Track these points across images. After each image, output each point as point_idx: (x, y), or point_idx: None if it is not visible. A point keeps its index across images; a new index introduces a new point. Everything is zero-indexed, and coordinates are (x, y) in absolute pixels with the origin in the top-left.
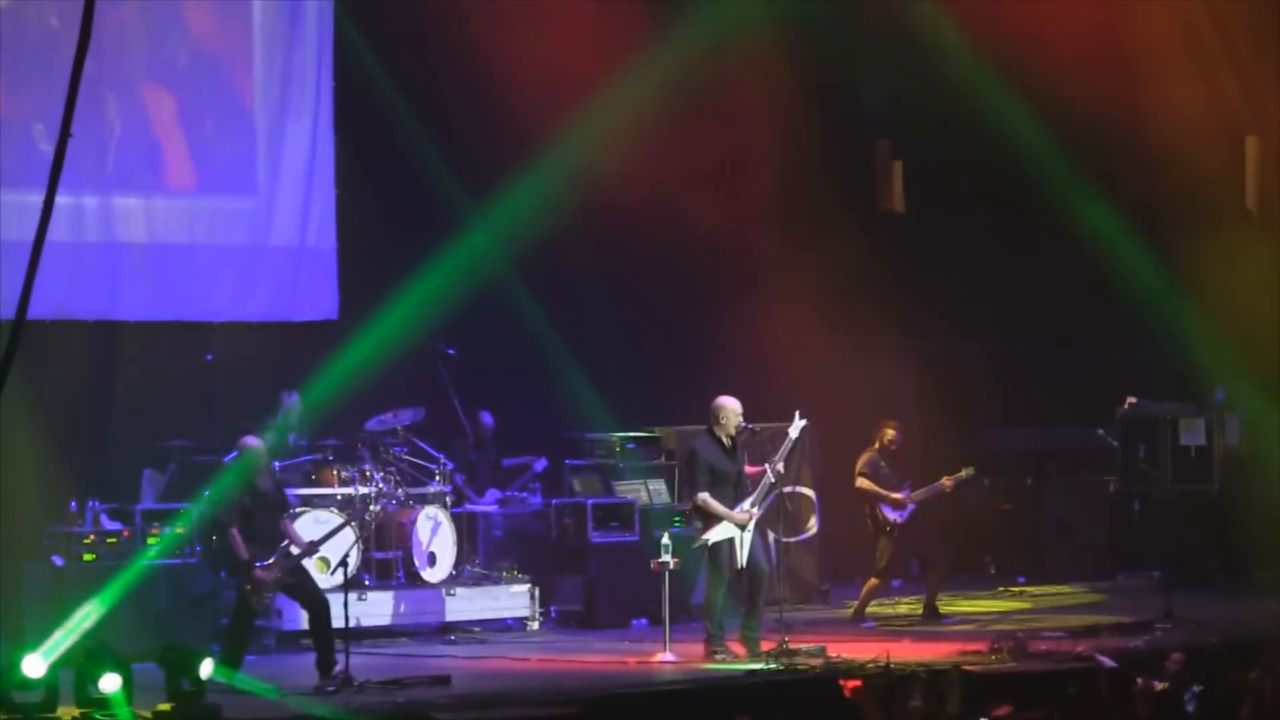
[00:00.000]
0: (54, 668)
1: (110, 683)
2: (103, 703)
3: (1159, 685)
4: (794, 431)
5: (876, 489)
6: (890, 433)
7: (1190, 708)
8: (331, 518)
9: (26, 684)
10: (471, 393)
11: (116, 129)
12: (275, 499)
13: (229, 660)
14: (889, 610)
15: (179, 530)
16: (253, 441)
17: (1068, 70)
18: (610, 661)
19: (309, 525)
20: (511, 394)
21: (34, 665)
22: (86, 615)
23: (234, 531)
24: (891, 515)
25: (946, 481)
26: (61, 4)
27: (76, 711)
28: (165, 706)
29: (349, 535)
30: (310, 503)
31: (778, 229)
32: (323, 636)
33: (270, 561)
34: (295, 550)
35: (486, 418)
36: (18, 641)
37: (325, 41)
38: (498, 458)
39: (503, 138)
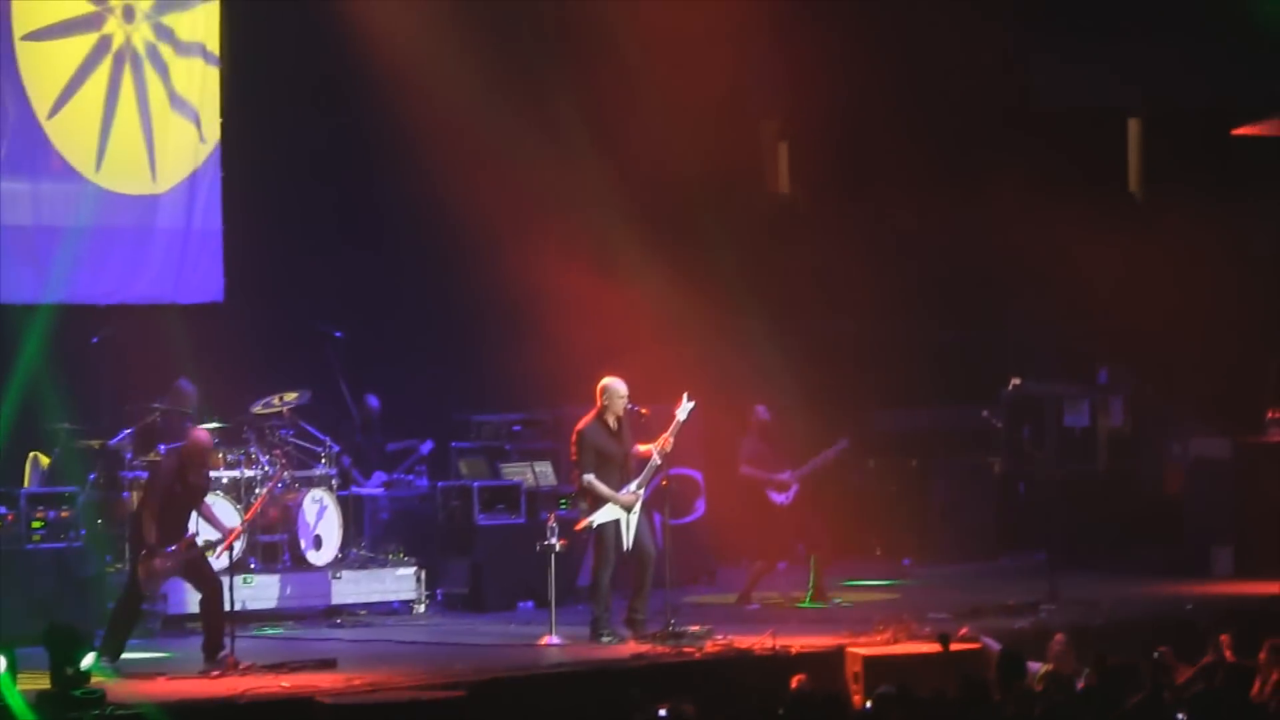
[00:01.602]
0: None
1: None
2: None
3: (1044, 666)
4: (681, 414)
5: (761, 474)
6: (769, 418)
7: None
8: (218, 501)
9: None
10: (358, 375)
11: (9, 112)
12: (199, 493)
13: (113, 646)
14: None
15: None
16: (204, 435)
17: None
18: (497, 644)
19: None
20: (398, 377)
21: None
22: None
23: (154, 512)
24: (777, 498)
25: (826, 455)
26: None
27: None
28: (48, 688)
29: (234, 518)
30: None
31: (663, 211)
32: (213, 620)
33: (173, 549)
34: (197, 545)
35: (373, 400)
36: None
37: (211, 25)
38: (384, 441)
39: (386, 116)
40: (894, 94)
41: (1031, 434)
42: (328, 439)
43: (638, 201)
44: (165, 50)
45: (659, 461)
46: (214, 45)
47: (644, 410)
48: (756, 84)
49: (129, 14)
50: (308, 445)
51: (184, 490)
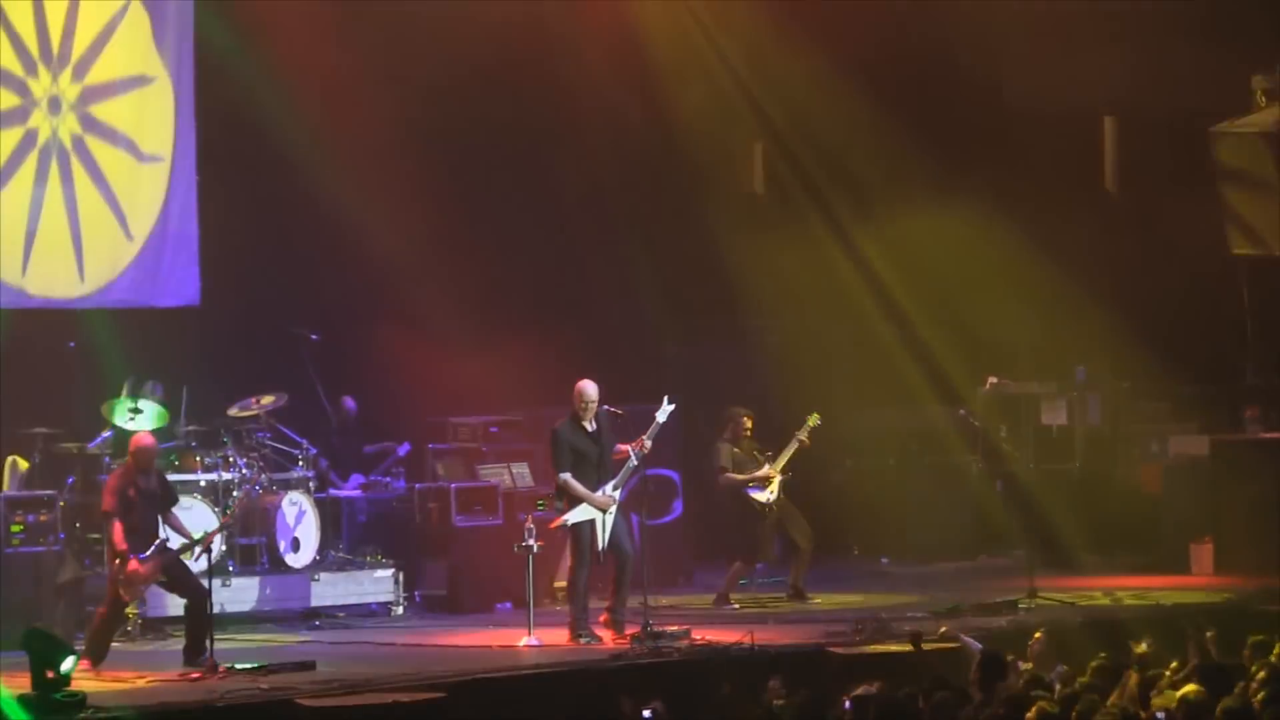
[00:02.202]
0: None
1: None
2: None
3: (1023, 664)
4: (661, 415)
5: (741, 477)
6: (747, 422)
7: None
8: (194, 504)
9: None
10: (334, 378)
11: None
12: (158, 495)
13: (94, 650)
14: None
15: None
16: (146, 439)
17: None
18: (475, 645)
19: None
20: (373, 379)
21: None
22: None
23: (117, 523)
24: (760, 495)
25: (801, 435)
26: None
27: None
28: (28, 691)
29: (212, 521)
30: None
31: (638, 212)
32: (197, 625)
33: (147, 555)
34: (172, 548)
35: (349, 403)
36: None
37: (186, 29)
38: (361, 443)
39: (360, 119)
40: (868, 93)
41: (1009, 433)
42: (305, 441)
43: (610, 202)
44: (93, 142)
45: (636, 463)
46: (147, 140)
47: (619, 411)
48: (732, 86)
49: (55, 105)
50: (285, 448)
51: (138, 495)
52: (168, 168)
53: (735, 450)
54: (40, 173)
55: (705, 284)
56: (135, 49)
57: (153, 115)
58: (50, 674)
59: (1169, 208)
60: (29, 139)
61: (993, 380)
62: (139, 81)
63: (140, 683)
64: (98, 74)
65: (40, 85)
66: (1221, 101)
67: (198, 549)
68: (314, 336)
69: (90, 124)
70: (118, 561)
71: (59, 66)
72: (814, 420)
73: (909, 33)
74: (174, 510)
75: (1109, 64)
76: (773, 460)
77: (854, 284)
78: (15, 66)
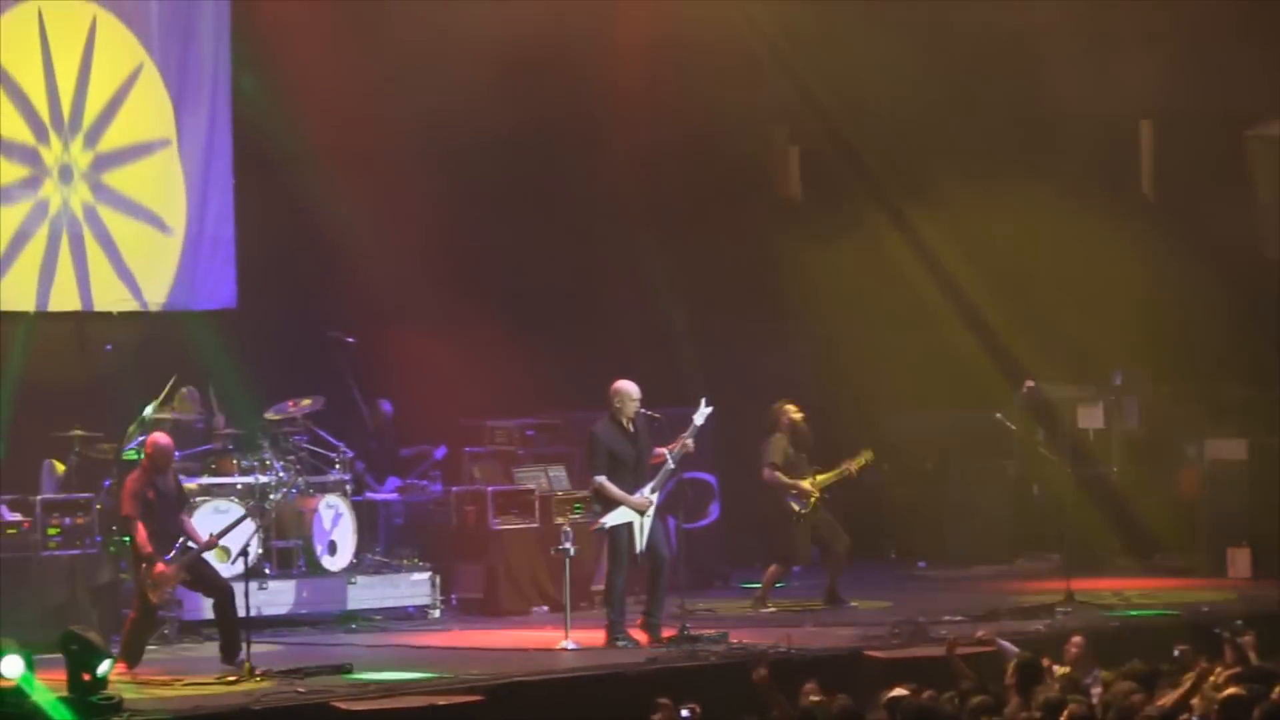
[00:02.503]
0: None
1: (11, 665)
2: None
3: (1060, 669)
4: (699, 418)
5: (784, 480)
6: (797, 415)
7: (1094, 692)
8: (232, 507)
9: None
10: (371, 381)
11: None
12: (176, 496)
13: (130, 652)
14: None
15: None
16: (162, 439)
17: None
18: (512, 648)
19: (209, 515)
20: (410, 382)
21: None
22: None
23: (140, 525)
24: (796, 505)
25: (850, 466)
26: None
27: None
28: (65, 694)
29: (249, 524)
30: (210, 492)
31: (678, 214)
32: (228, 623)
33: (171, 556)
34: (194, 546)
35: (386, 406)
36: None
37: (222, 31)
38: (397, 446)
39: (399, 120)
40: (904, 96)
41: (1046, 436)
42: (341, 445)
43: (649, 205)
44: (106, 213)
45: (673, 465)
46: (164, 209)
47: (656, 415)
48: (769, 88)
49: (66, 174)
50: (322, 451)
51: (157, 497)
52: (180, 240)
53: (789, 450)
54: (51, 245)
55: (743, 287)
56: (149, 113)
57: (167, 181)
58: (86, 677)
59: (1206, 211)
60: (40, 209)
61: (1030, 384)
62: (153, 147)
63: (176, 686)
64: (110, 140)
65: (51, 153)
66: (1258, 105)
67: (230, 548)
68: (350, 340)
69: (103, 193)
70: (144, 565)
71: (70, 134)
72: (867, 457)
73: (946, 34)
74: (184, 513)
75: (1146, 67)
76: (815, 477)
77: (890, 288)
78: (26, 135)
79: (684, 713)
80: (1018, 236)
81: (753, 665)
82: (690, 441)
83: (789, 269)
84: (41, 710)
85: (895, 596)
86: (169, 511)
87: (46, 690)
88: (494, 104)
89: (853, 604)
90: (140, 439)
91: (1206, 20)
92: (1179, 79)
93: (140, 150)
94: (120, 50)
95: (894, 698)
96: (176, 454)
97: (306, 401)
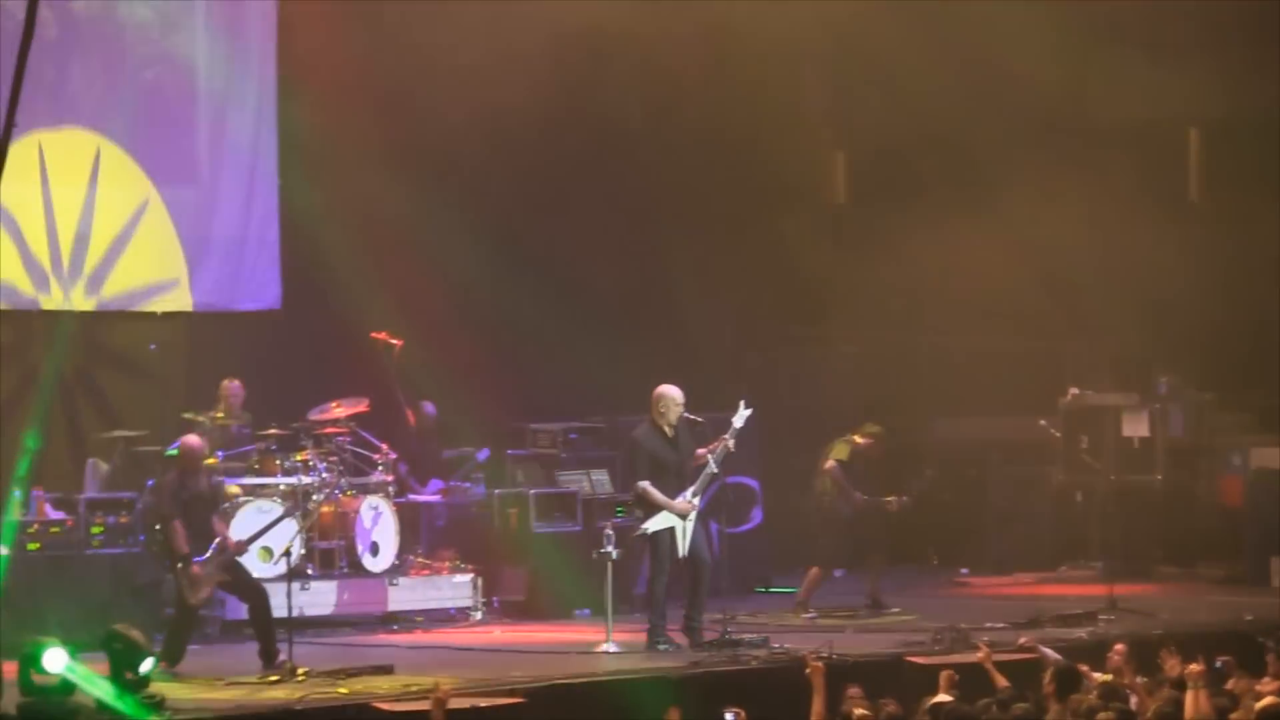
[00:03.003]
0: None
1: (54, 659)
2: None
3: (1101, 676)
4: (738, 420)
5: (844, 482)
6: (861, 440)
7: (1134, 699)
8: (275, 508)
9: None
10: (414, 383)
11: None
12: (209, 497)
13: (171, 651)
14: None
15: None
16: (193, 441)
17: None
18: (554, 651)
19: (252, 515)
20: (454, 384)
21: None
22: None
23: (176, 524)
24: (842, 509)
25: (891, 502)
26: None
27: None
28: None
29: (291, 525)
30: (253, 492)
31: (721, 220)
32: (264, 627)
33: (206, 557)
34: (229, 548)
35: (429, 408)
36: None
37: (269, 29)
38: (440, 448)
39: (446, 126)
40: (953, 104)
41: (1090, 444)
42: (384, 446)
43: (695, 211)
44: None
45: (715, 469)
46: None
47: (699, 419)
48: (816, 94)
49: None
50: (364, 452)
51: (191, 499)
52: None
53: (853, 464)
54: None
55: (786, 293)
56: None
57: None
58: (129, 675)
59: (1253, 217)
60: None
61: (1074, 391)
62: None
63: (218, 685)
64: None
65: (52, 300)
66: None
67: (273, 548)
68: (395, 342)
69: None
70: (180, 565)
71: (70, 281)
72: (901, 500)
73: (995, 38)
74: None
75: (1195, 73)
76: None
77: (935, 293)
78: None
79: (728, 717)
80: (1064, 242)
81: (804, 659)
82: (731, 442)
83: (835, 274)
84: (88, 706)
85: (937, 602)
86: (203, 512)
87: (94, 676)
88: (542, 109)
89: (894, 609)
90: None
91: (1256, 25)
92: (1228, 85)
93: (145, 294)
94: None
95: (936, 704)
96: (219, 454)
97: (349, 403)
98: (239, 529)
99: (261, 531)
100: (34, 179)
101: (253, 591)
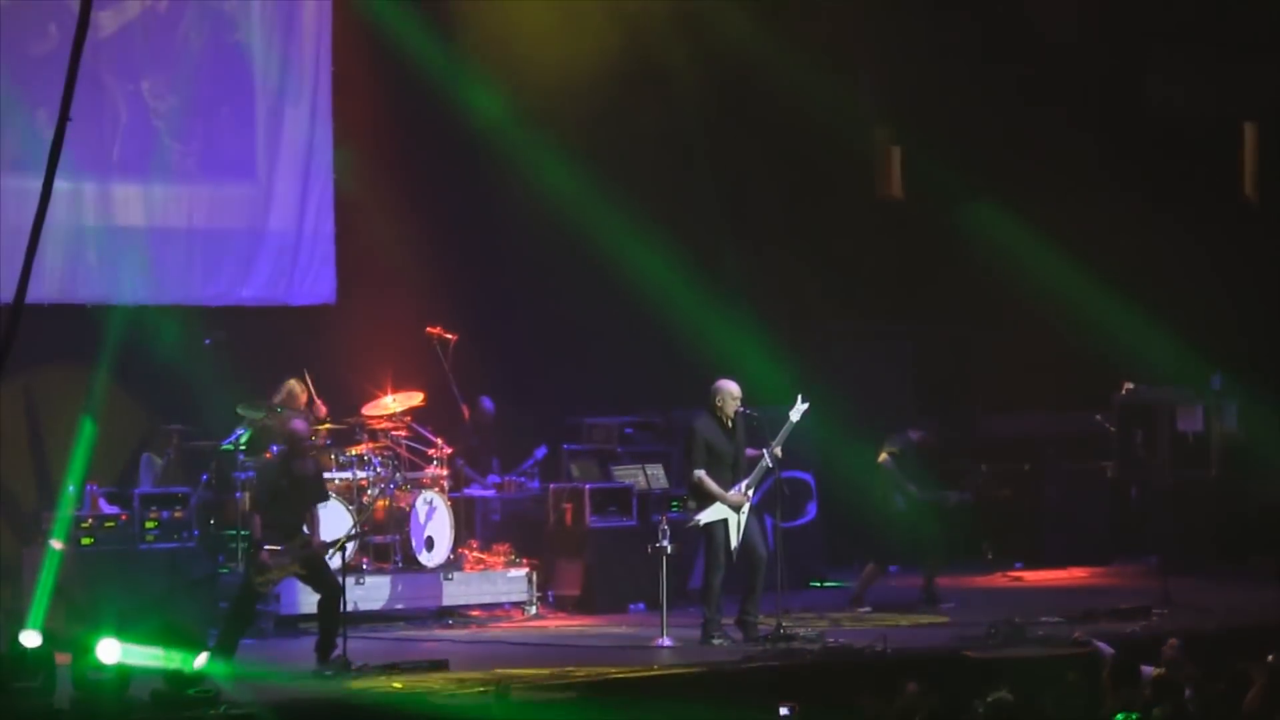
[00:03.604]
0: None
1: (109, 651)
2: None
3: (1155, 671)
4: (795, 415)
5: (898, 474)
6: (922, 437)
7: (1188, 693)
8: (332, 503)
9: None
10: (471, 378)
11: (122, 116)
12: (314, 481)
13: (226, 645)
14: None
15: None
16: (298, 424)
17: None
18: (609, 646)
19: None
20: (511, 379)
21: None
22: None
23: (256, 515)
24: (898, 503)
25: (951, 497)
26: None
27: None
28: (162, 687)
29: (346, 519)
30: None
31: (776, 214)
32: (329, 621)
33: (282, 549)
34: (312, 545)
35: (487, 403)
36: (18, 625)
37: (324, 25)
38: (496, 443)
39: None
40: (1008, 97)
41: (1144, 439)
42: (440, 440)
43: (750, 205)
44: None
45: (770, 463)
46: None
47: (754, 413)
48: (870, 89)
49: None
50: (420, 447)
51: (290, 484)
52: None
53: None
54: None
55: (843, 287)
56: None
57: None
58: (184, 670)
59: None
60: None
61: (1129, 386)
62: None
63: (272, 680)
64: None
65: None
66: None
67: (333, 550)
68: (451, 336)
69: None
70: (253, 551)
71: None
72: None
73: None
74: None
75: (1251, 69)
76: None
77: (990, 289)
78: None
79: (783, 710)
80: (1118, 237)
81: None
82: (782, 438)
83: (890, 269)
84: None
85: (993, 597)
86: (303, 497)
87: (149, 656)
88: (598, 100)
89: (949, 604)
90: (239, 432)
91: None
92: None
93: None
94: None
95: (995, 700)
96: (273, 448)
97: (405, 396)
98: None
99: (346, 539)
100: None
101: (329, 585)
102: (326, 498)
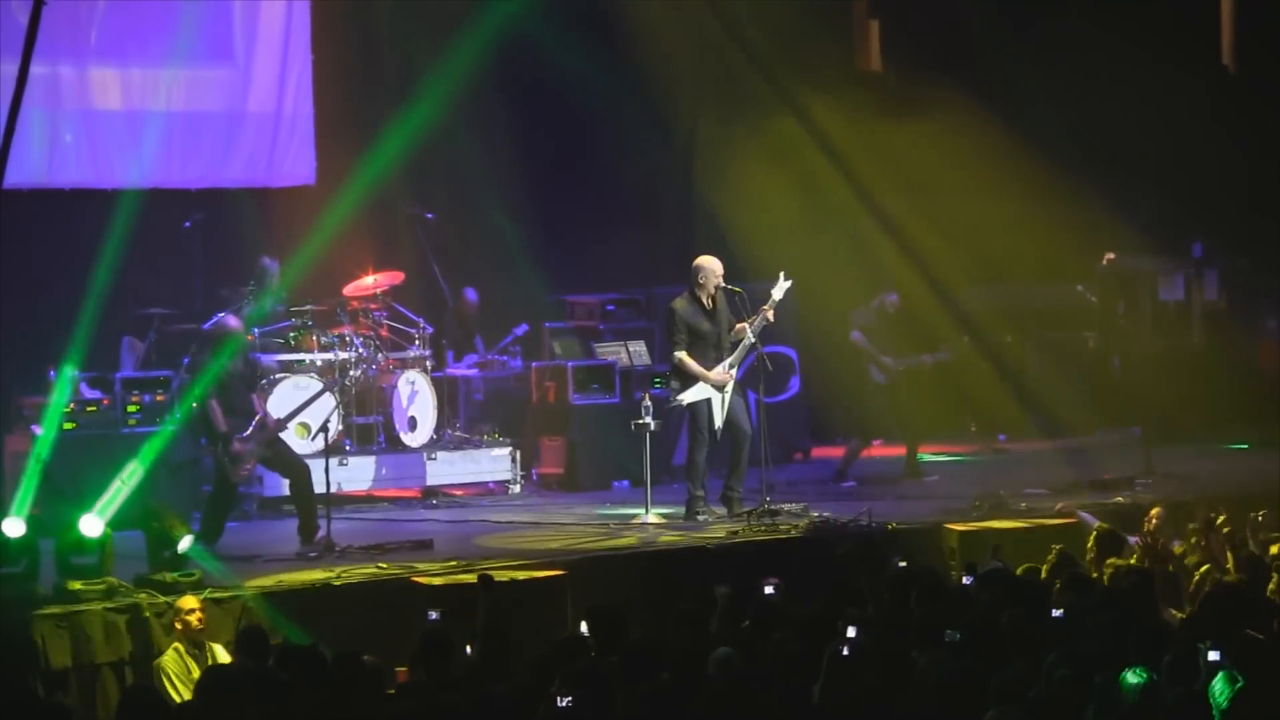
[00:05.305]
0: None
1: (91, 525)
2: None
3: (1139, 540)
4: (778, 292)
5: (870, 349)
6: (895, 302)
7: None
8: (312, 384)
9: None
10: (450, 260)
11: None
12: (248, 375)
13: (209, 529)
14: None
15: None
16: (232, 322)
17: None
18: (593, 524)
19: (289, 391)
20: (491, 259)
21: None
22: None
23: (213, 403)
24: (876, 376)
25: (926, 359)
26: None
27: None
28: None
29: (329, 401)
30: (290, 368)
31: (752, 90)
32: (304, 502)
33: (247, 434)
34: (269, 424)
35: (471, 294)
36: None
37: None
38: (478, 334)
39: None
40: None
41: (1126, 309)
42: (421, 320)
43: (728, 79)
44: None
45: (752, 340)
46: None
47: (737, 289)
48: None
49: None
50: (402, 327)
51: (230, 377)
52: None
53: (875, 325)
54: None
55: (821, 160)
56: None
57: None
58: (167, 554)
59: None
60: None
61: (1110, 256)
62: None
63: (257, 562)
64: None
65: None
66: None
67: (311, 424)
68: (429, 215)
69: None
70: (220, 443)
71: None
72: (945, 352)
73: None
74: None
75: None
76: (894, 359)
77: (969, 160)
78: None
79: (767, 588)
80: (1097, 107)
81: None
82: (771, 313)
83: (868, 142)
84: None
85: (975, 469)
86: (241, 390)
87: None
88: None
89: (932, 477)
90: (217, 316)
91: None
92: None
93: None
94: None
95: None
96: (255, 331)
97: (386, 276)
98: (277, 405)
99: (300, 408)
100: None
101: (294, 467)
102: (258, 384)
